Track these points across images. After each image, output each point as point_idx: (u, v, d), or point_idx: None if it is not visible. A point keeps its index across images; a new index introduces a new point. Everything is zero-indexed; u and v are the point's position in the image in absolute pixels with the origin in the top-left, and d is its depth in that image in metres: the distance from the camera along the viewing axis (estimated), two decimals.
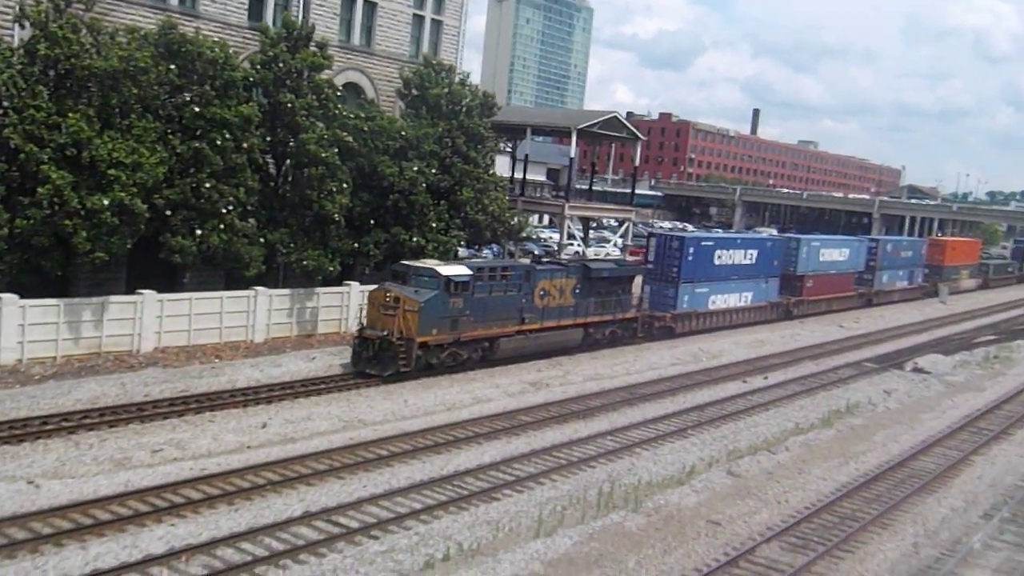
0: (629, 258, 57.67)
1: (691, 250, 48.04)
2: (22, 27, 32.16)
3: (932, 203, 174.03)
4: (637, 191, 72.51)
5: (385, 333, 32.40)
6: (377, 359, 32.55)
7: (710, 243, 51.13)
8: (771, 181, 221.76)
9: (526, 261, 42.08)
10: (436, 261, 35.65)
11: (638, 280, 47.45)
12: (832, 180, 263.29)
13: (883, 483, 26.59)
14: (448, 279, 33.28)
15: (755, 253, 53.86)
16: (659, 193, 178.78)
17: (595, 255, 61.90)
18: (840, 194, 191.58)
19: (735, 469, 26.33)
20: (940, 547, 22.17)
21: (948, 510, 24.93)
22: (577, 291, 39.91)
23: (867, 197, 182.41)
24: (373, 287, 34.78)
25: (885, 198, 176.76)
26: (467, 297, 34.10)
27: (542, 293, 37.92)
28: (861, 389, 39.54)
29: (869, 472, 27.40)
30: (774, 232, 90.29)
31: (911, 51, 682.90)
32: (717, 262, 50.28)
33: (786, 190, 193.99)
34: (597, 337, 42.02)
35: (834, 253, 62.88)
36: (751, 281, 53.61)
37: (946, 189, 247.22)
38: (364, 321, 33.40)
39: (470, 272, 34.35)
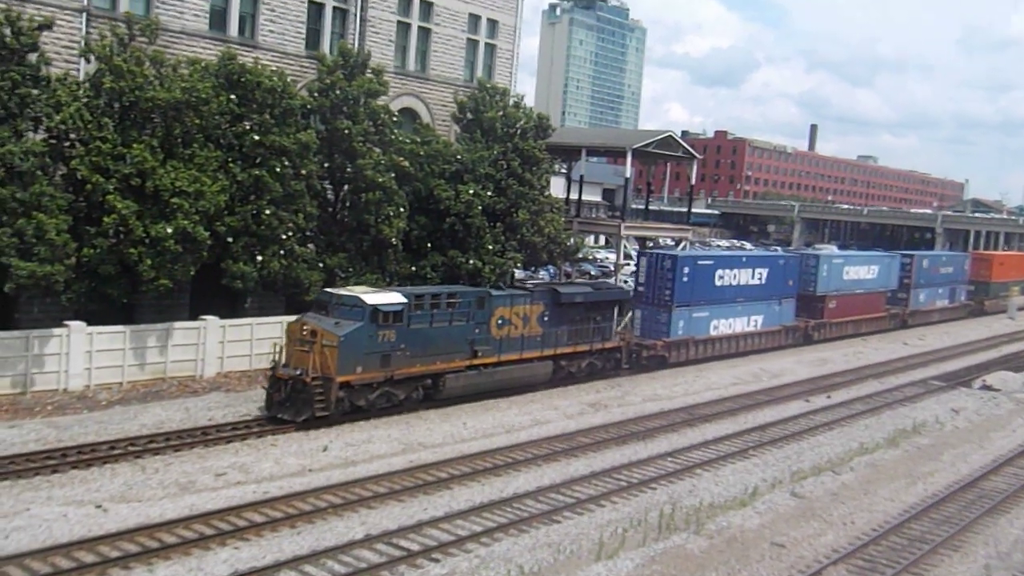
0: None
1: (686, 270, 43.72)
2: (88, 61, 33.11)
3: (997, 216, 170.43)
4: (694, 210, 72.23)
5: (299, 372, 28.54)
6: (291, 402, 28.70)
7: (709, 262, 46.49)
8: (830, 197, 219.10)
9: (480, 288, 36.11)
10: (365, 288, 31.67)
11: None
12: (893, 195, 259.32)
13: (953, 504, 25.97)
14: (375, 309, 29.35)
15: (765, 272, 49.15)
16: (716, 211, 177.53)
17: None
18: (902, 209, 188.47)
19: (799, 490, 25.90)
20: (1013, 569, 21.59)
21: (1021, 531, 24.28)
22: (545, 319, 35.88)
23: (929, 212, 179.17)
24: (293, 318, 31.46)
25: (948, 212, 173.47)
26: (401, 329, 30.13)
27: (500, 322, 33.94)
28: (928, 408, 38.73)
29: (938, 493, 26.80)
30: (834, 248, 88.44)
31: (970, 62, 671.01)
32: (719, 283, 45.92)
33: (846, 206, 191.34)
34: (571, 370, 37.80)
35: (861, 271, 58.00)
36: (761, 303, 49.02)
37: (1011, 202, 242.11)
38: (279, 358, 29.56)
39: (404, 300, 30.38)
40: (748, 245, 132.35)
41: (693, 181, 64.71)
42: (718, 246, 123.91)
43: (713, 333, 45.97)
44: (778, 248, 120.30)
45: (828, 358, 49.59)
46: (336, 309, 29.60)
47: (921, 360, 51.97)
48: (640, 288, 44.52)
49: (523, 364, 35.27)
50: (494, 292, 34.58)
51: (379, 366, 29.92)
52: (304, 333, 29.05)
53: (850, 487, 26.78)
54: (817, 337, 53.88)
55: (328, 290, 31.22)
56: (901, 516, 24.51)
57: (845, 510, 24.76)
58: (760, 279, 48.77)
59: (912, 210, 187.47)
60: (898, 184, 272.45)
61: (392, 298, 30.38)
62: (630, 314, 43.81)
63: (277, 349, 29.87)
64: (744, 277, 47.71)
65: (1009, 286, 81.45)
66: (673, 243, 65.27)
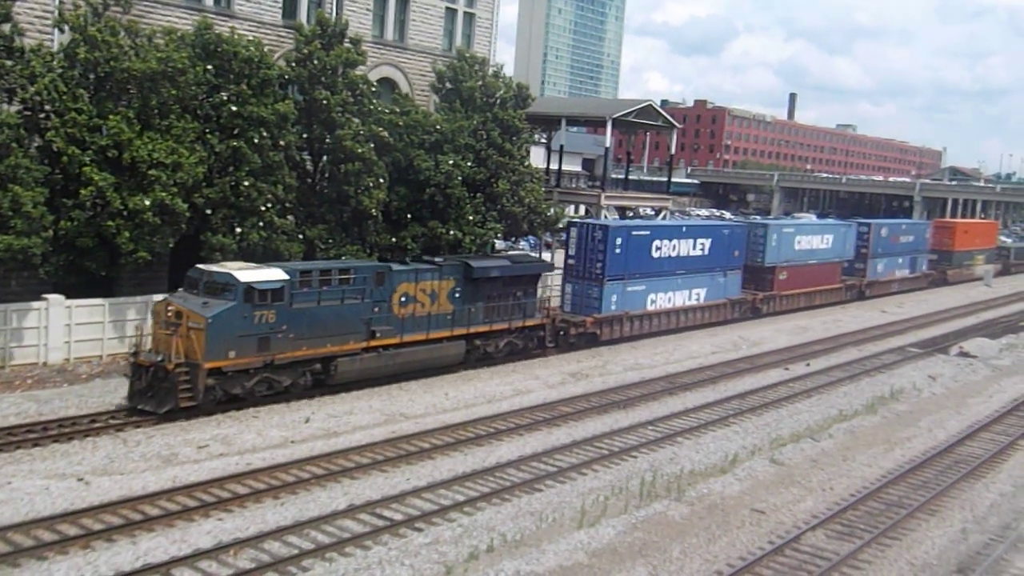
0: None
1: (618, 241, 40.75)
2: (62, 31, 32.66)
3: (975, 184, 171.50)
4: (674, 179, 72.18)
5: (160, 359, 25.93)
6: (153, 391, 25.99)
7: (645, 232, 43.42)
8: (809, 166, 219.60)
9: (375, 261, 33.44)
10: (240, 264, 28.55)
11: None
12: (872, 164, 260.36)
13: (930, 469, 26.31)
14: (249, 287, 26.50)
15: (708, 243, 46.46)
16: (696, 181, 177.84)
17: None
18: (880, 177, 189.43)
19: (778, 457, 26.18)
20: (989, 533, 21.92)
21: (997, 495, 24.62)
22: (457, 295, 33.30)
23: (908, 180, 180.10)
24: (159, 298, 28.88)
25: (926, 180, 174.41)
26: (282, 309, 27.40)
27: (403, 299, 31.42)
28: (905, 374, 39.12)
29: (915, 458, 27.13)
30: (813, 218, 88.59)
31: (947, 30, 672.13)
32: (656, 254, 43.18)
33: (825, 175, 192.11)
34: (488, 350, 35.18)
35: (814, 240, 55.70)
36: (704, 275, 46.51)
37: (989, 170, 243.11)
38: (141, 342, 27.11)
39: (285, 277, 27.55)
40: (728, 214, 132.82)
41: (673, 150, 64.71)
42: (697, 215, 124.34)
43: (650, 308, 43.46)
44: (757, 216, 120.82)
45: (807, 326, 49.96)
46: (207, 287, 26.91)
47: (899, 327, 52.41)
48: (571, 261, 41.72)
49: (430, 345, 32.64)
50: (395, 267, 31.75)
51: (256, 350, 27.18)
52: (169, 315, 26.26)
53: (829, 453, 27.09)
54: (766, 310, 51.89)
55: (200, 266, 28.01)
56: (879, 481, 24.81)
57: (824, 476, 25.06)
58: (703, 250, 46.35)
59: (891, 179, 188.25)
60: (877, 152, 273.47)
61: (271, 275, 27.51)
62: (544, 288, 40.53)
63: (139, 332, 27.65)
64: (684, 248, 45.20)
65: (973, 255, 79.46)
66: (653, 212, 65.39)
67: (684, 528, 20.81)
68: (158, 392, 25.97)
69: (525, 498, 22.17)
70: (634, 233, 42.54)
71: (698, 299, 46.64)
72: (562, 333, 39.29)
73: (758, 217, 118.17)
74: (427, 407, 29.56)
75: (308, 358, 28.77)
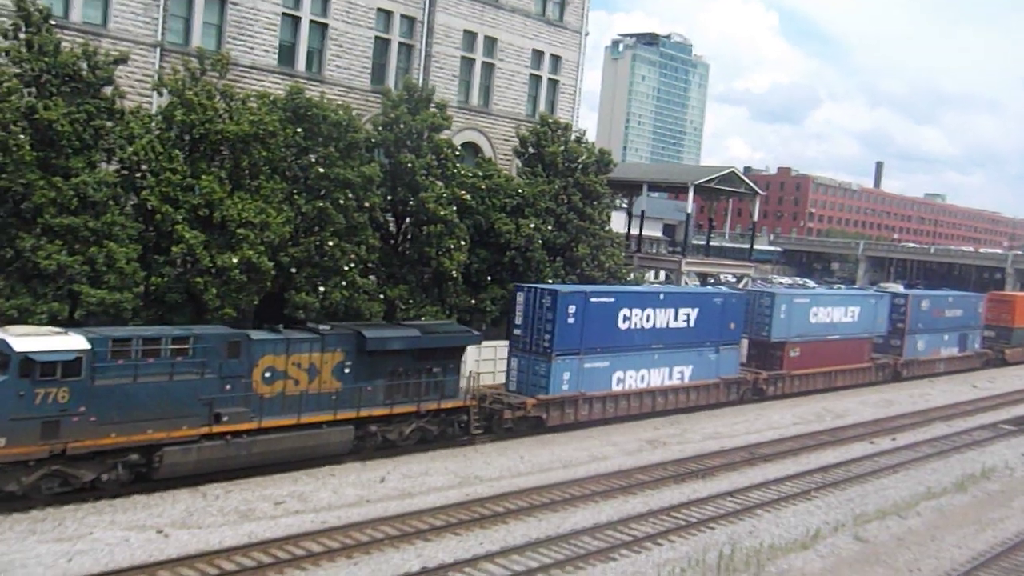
0: None
1: (571, 309, 34.79)
2: (160, 94, 33.97)
3: None
4: (756, 246, 71.61)
5: None
6: None
7: (608, 300, 36.81)
8: (896, 236, 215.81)
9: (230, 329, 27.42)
10: (26, 329, 23.07)
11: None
12: (961, 234, 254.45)
13: (1023, 552, 25.20)
14: (26, 358, 21.43)
15: (693, 313, 40.05)
16: (778, 248, 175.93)
17: None
18: (970, 248, 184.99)
19: (862, 534, 25.33)
20: None
21: None
22: (346, 371, 28.38)
23: (999, 251, 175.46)
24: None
25: (1019, 252, 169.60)
26: (79, 385, 22.22)
27: (268, 375, 26.49)
28: (997, 452, 37.69)
29: (1008, 540, 26.01)
30: (900, 288, 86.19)
31: None
32: (623, 325, 37.00)
33: (912, 244, 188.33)
34: (390, 437, 29.64)
35: (835, 312, 48.92)
36: (688, 351, 39.90)
37: None
38: None
39: (84, 347, 22.47)
40: (811, 283, 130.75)
41: (755, 217, 64.30)
42: (779, 283, 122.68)
43: (617, 388, 37.00)
44: (841, 286, 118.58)
45: (893, 399, 48.63)
46: None
47: (990, 403, 50.67)
48: (517, 331, 35.66)
49: (304, 431, 27.10)
50: (256, 335, 26.87)
51: (39, 437, 21.83)
52: None
53: (916, 532, 26.14)
54: (773, 392, 45.40)
55: None
56: (969, 564, 23.82)
57: (911, 556, 24.14)
58: (687, 321, 39.91)
59: (981, 250, 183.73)
60: (967, 223, 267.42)
61: (63, 343, 22.34)
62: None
63: None
64: (662, 319, 38.80)
65: None
66: (734, 279, 64.72)
67: None
68: None
69: (600, 567, 21.80)
70: (593, 300, 36.11)
71: (682, 378, 40.11)
72: (496, 417, 33.20)
73: (842, 286, 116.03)
74: (502, 470, 29.40)
75: (118, 447, 23.34)
